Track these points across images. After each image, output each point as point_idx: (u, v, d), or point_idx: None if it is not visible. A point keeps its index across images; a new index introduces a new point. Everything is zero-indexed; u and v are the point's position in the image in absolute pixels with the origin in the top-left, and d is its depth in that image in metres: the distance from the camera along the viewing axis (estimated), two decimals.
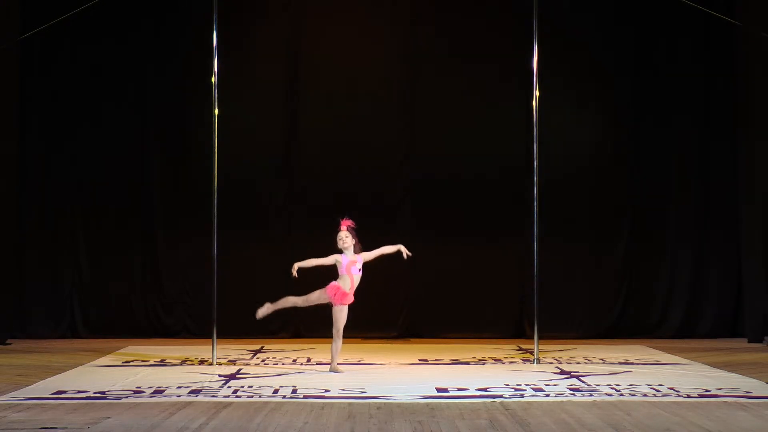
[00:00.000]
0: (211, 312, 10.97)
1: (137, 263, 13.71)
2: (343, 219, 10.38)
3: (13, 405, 8.22)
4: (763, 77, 13.01)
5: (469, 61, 13.75)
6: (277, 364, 11.04)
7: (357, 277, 10.28)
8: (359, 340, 13.22)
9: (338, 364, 10.41)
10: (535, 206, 11.17)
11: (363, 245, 13.68)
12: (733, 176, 13.54)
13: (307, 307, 10.55)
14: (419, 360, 11.41)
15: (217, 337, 11.00)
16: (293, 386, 9.25)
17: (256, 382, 9.54)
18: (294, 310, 13.60)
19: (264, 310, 10.45)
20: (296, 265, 10.19)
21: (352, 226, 10.37)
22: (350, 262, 10.24)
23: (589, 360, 11.28)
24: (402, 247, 10.44)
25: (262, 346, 12.58)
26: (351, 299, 10.31)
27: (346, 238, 10.27)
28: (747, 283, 13.25)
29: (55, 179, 13.61)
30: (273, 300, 13.58)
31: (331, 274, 10.39)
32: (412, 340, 13.49)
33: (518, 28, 13.23)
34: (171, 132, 13.72)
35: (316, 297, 10.30)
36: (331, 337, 10.45)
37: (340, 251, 10.30)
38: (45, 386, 9.24)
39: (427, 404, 8.30)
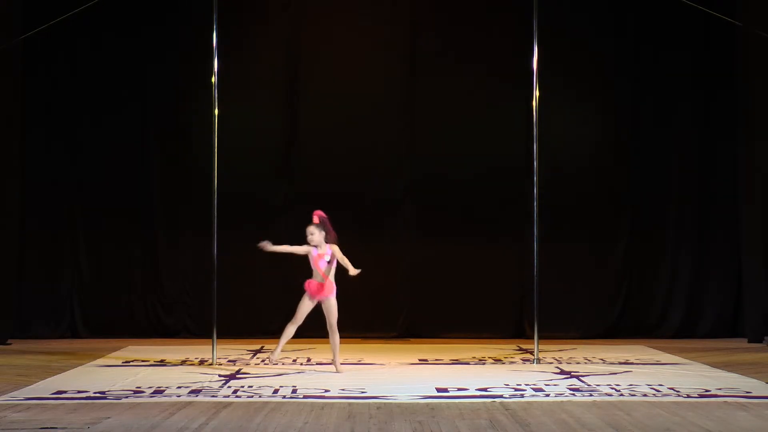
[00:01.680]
0: (211, 312, 10.96)
1: (137, 263, 13.71)
2: (315, 210, 10.27)
3: (13, 405, 8.22)
4: (763, 77, 13.01)
5: (469, 61, 13.75)
6: (277, 364, 11.03)
7: (327, 268, 10.16)
8: (359, 340, 13.23)
9: (340, 364, 10.36)
10: (535, 206, 11.18)
11: (363, 245, 13.73)
12: (733, 176, 13.54)
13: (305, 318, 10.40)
14: (419, 360, 11.41)
15: (217, 337, 11.00)
16: (293, 386, 9.25)
17: (256, 382, 9.54)
18: (294, 309, 13.66)
19: (276, 354, 10.45)
20: (267, 246, 10.13)
21: (324, 216, 10.27)
22: (318, 255, 10.16)
23: (589, 360, 11.28)
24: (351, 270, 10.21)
25: (262, 346, 12.58)
26: (332, 289, 10.19)
27: (311, 235, 10.18)
28: (747, 283, 13.25)
29: (55, 179, 13.61)
30: (275, 302, 13.70)
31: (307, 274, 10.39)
32: (412, 340, 13.49)
33: (518, 28, 13.23)
34: (171, 132, 13.72)
35: (305, 307, 10.24)
36: (326, 336, 10.47)
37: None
38: (45, 386, 9.25)
39: (427, 404, 8.30)
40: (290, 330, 10.34)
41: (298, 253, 10.25)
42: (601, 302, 13.70)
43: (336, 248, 10.24)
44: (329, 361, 11.17)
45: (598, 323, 13.67)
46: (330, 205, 13.55)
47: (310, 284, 10.21)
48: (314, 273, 10.24)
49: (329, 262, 10.19)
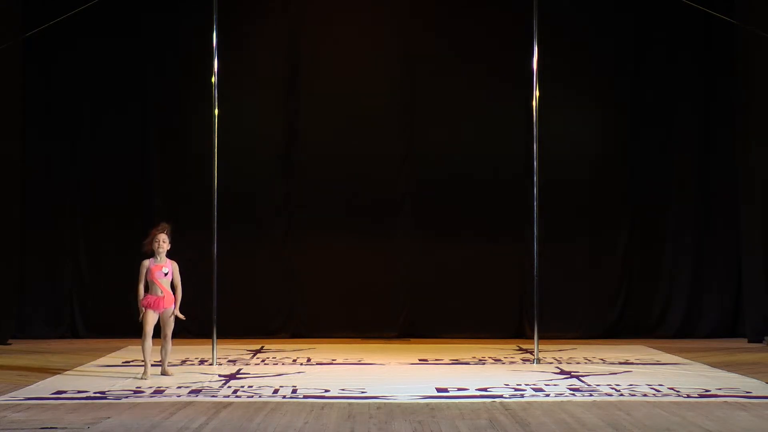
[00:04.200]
0: (211, 312, 10.95)
1: (137, 263, 13.66)
2: (161, 223, 10.02)
3: (13, 405, 8.22)
4: (763, 77, 13.01)
5: (468, 61, 13.75)
6: (277, 364, 11.04)
7: (163, 280, 9.87)
8: (359, 340, 13.24)
9: (168, 366, 10.07)
10: (535, 206, 11.17)
11: (363, 245, 13.77)
12: (733, 176, 13.53)
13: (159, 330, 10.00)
14: (419, 360, 11.41)
15: (217, 337, 10.99)
16: (293, 386, 9.25)
17: (256, 382, 9.54)
18: (294, 309, 13.71)
19: (148, 373, 9.85)
20: (142, 309, 9.85)
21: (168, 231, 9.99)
22: (156, 266, 9.88)
23: (589, 360, 11.28)
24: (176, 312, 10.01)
25: (262, 346, 12.58)
26: (170, 302, 9.88)
27: (163, 242, 9.89)
28: (747, 283, 13.25)
29: (55, 179, 13.61)
30: (274, 302, 13.71)
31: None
32: (412, 340, 13.48)
33: (518, 28, 13.22)
34: (171, 132, 13.71)
35: (149, 319, 9.83)
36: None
37: (151, 254, 9.91)
38: (45, 386, 9.25)
39: (427, 404, 8.30)
40: (147, 344, 9.85)
41: (144, 278, 9.91)
42: (601, 302, 13.69)
43: (176, 266, 9.97)
44: (329, 361, 11.18)
45: (598, 323, 13.66)
46: (330, 205, 13.66)
47: (148, 300, 9.85)
48: (150, 287, 9.87)
49: (166, 275, 9.90)
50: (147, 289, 9.93)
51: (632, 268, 13.75)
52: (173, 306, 9.93)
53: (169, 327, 9.98)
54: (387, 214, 13.77)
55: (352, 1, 13.86)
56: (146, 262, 9.93)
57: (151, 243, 9.93)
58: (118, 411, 7.98)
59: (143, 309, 9.87)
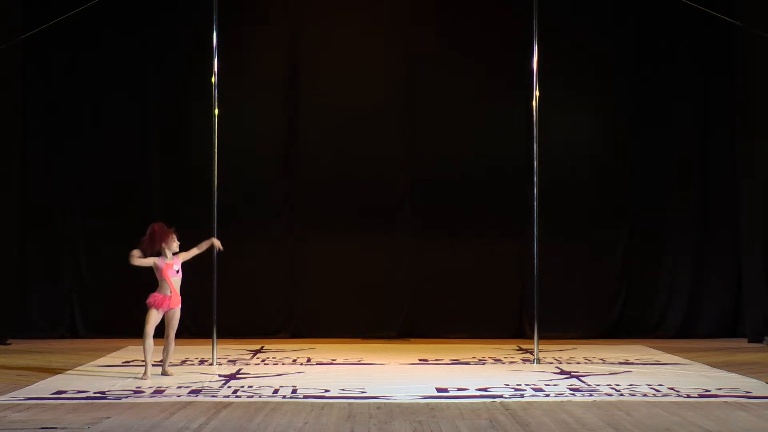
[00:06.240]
0: (211, 312, 10.95)
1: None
2: (158, 222, 10.01)
3: (13, 405, 8.22)
4: (763, 77, 13.01)
5: (469, 60, 13.75)
6: (277, 364, 11.04)
7: (175, 279, 9.85)
8: (359, 340, 13.23)
9: (169, 366, 10.06)
10: (535, 206, 11.17)
11: (363, 245, 13.80)
12: (733, 176, 13.53)
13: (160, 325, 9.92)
14: (419, 360, 11.41)
15: (217, 337, 10.99)
16: (293, 386, 9.25)
17: (256, 382, 9.54)
18: (294, 309, 13.71)
19: (149, 371, 9.82)
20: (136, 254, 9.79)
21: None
22: (167, 265, 9.82)
23: (589, 360, 11.28)
24: (215, 241, 10.27)
25: (262, 346, 12.58)
26: (177, 302, 9.87)
27: (174, 242, 9.86)
28: (747, 283, 13.25)
29: (55, 179, 13.61)
30: (274, 302, 13.71)
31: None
32: (412, 340, 13.48)
33: (518, 28, 13.22)
34: (171, 132, 13.72)
35: (153, 318, 9.79)
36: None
37: (158, 253, 9.84)
38: (45, 386, 9.25)
39: (427, 404, 8.30)
40: (149, 344, 9.79)
41: (146, 265, 9.87)
42: (601, 302, 13.69)
43: (181, 254, 9.93)
44: (329, 361, 11.18)
45: (598, 323, 13.66)
46: (330, 205, 13.66)
47: (155, 298, 9.82)
48: (161, 285, 9.83)
49: (178, 272, 9.88)
50: (156, 287, 9.90)
51: (632, 268, 13.75)
52: (179, 307, 9.90)
53: (173, 328, 9.97)
54: (387, 214, 13.77)
55: (352, 1, 13.86)
56: (157, 261, 9.85)
57: (154, 243, 9.87)
58: (118, 411, 7.98)
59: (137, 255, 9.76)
